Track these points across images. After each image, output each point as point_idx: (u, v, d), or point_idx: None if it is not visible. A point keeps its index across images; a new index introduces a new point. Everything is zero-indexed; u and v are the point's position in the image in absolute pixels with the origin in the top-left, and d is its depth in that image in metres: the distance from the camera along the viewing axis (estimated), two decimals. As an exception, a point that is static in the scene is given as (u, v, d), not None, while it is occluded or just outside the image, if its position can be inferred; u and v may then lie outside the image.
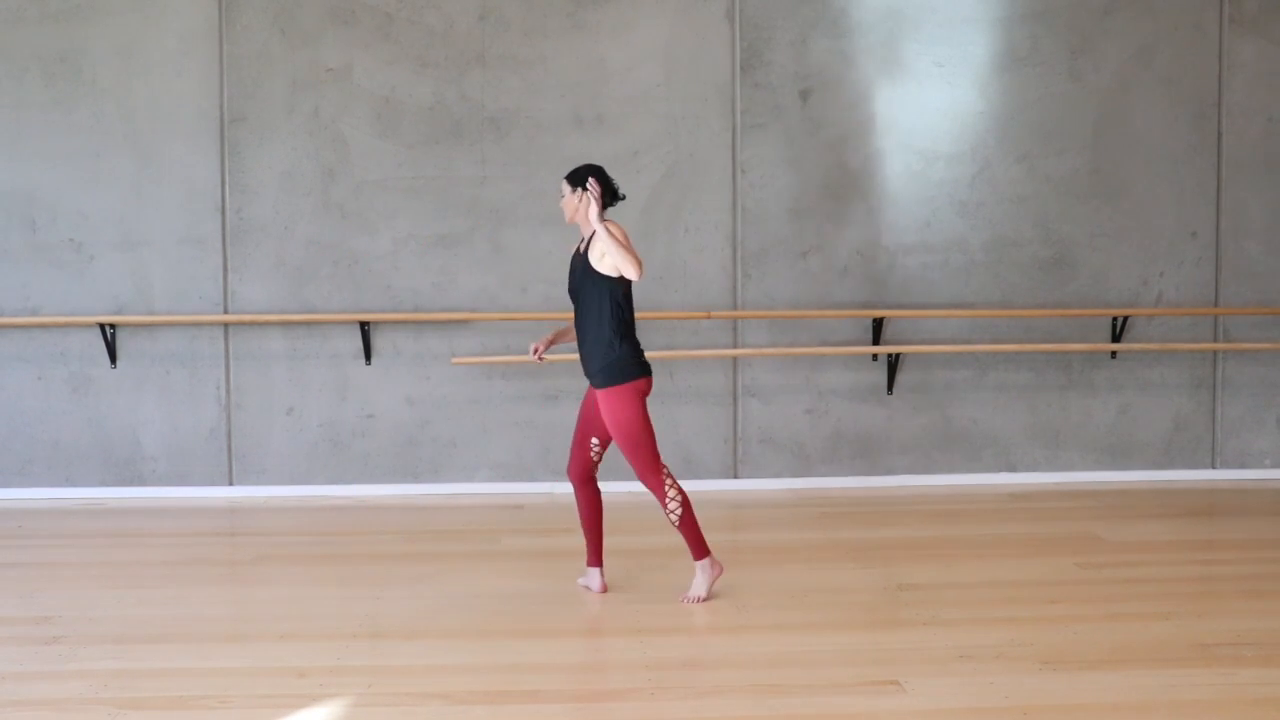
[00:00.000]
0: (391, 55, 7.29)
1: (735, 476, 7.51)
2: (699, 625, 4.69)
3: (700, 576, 5.00)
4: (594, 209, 4.79)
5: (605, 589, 5.15)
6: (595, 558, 5.17)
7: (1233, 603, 4.97)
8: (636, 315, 7.18)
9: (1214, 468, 7.74)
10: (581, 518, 5.18)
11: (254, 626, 4.73)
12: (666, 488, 4.91)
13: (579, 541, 6.02)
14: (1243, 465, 7.75)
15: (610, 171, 7.24)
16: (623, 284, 4.88)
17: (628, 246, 4.76)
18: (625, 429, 4.86)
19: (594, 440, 5.06)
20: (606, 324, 4.86)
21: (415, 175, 7.31)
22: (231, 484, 7.36)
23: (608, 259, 4.80)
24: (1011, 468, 7.63)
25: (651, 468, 4.90)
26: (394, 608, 4.94)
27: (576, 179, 4.93)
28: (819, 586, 5.22)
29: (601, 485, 7.27)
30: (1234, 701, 3.83)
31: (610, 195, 4.93)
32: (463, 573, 5.49)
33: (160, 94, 7.25)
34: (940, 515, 6.75)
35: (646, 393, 4.92)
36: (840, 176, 7.47)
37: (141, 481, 7.34)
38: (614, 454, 7.42)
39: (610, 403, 4.86)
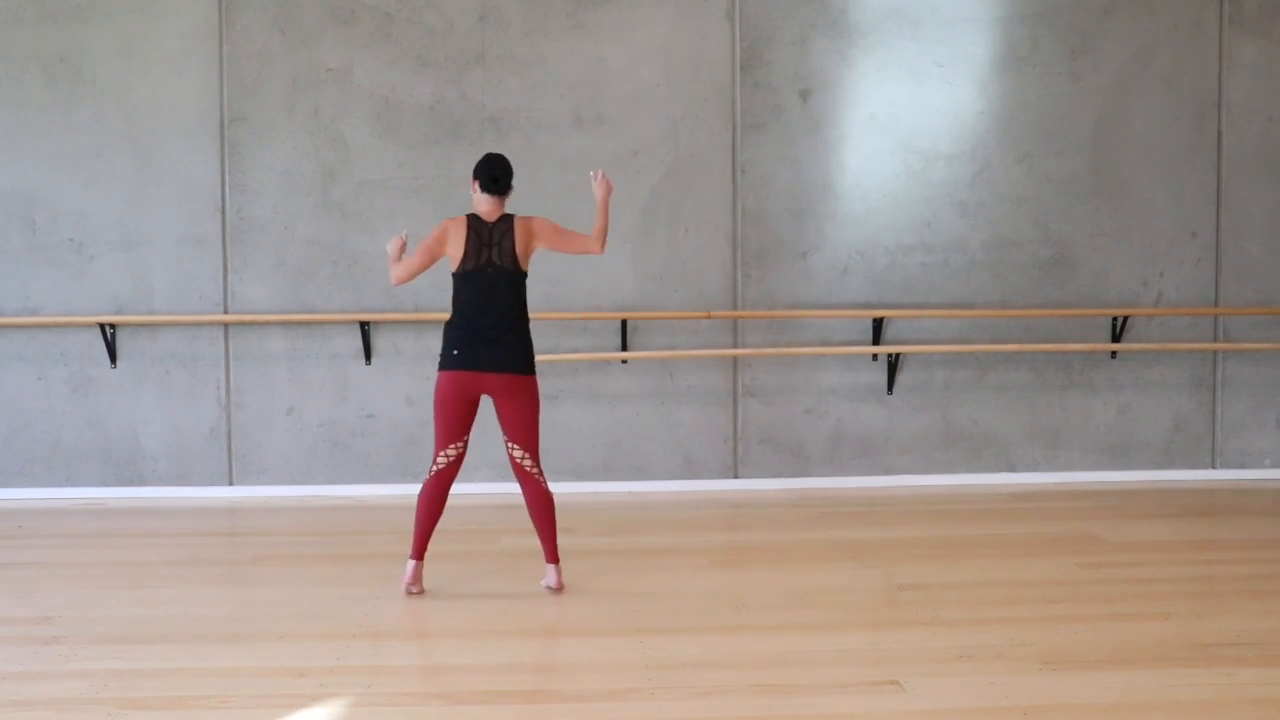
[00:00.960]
0: (391, 55, 7.29)
1: (735, 476, 7.51)
2: (699, 625, 4.68)
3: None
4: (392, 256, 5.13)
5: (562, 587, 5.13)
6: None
7: (1233, 603, 4.96)
8: (636, 315, 7.29)
9: (1214, 468, 7.74)
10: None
11: (254, 626, 4.72)
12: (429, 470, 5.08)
13: (578, 541, 6.03)
14: (1243, 465, 7.75)
15: (610, 171, 7.29)
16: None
17: (416, 252, 5.07)
18: None
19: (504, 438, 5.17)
20: None
21: (415, 175, 7.31)
22: (231, 484, 7.36)
23: None
24: (1011, 468, 7.63)
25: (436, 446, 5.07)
26: (394, 608, 4.94)
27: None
28: (819, 586, 5.21)
29: (597, 485, 7.34)
30: (1234, 701, 3.83)
31: (488, 180, 5.03)
32: (463, 573, 5.49)
33: (160, 94, 7.25)
34: (940, 515, 6.75)
35: (445, 387, 5.00)
36: (840, 176, 7.47)
37: (141, 481, 7.33)
38: (619, 456, 7.43)
39: None
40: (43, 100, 7.21)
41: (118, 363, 7.31)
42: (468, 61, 7.31)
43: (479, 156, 7.22)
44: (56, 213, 7.25)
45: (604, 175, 5.19)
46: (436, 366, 5.11)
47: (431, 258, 5.05)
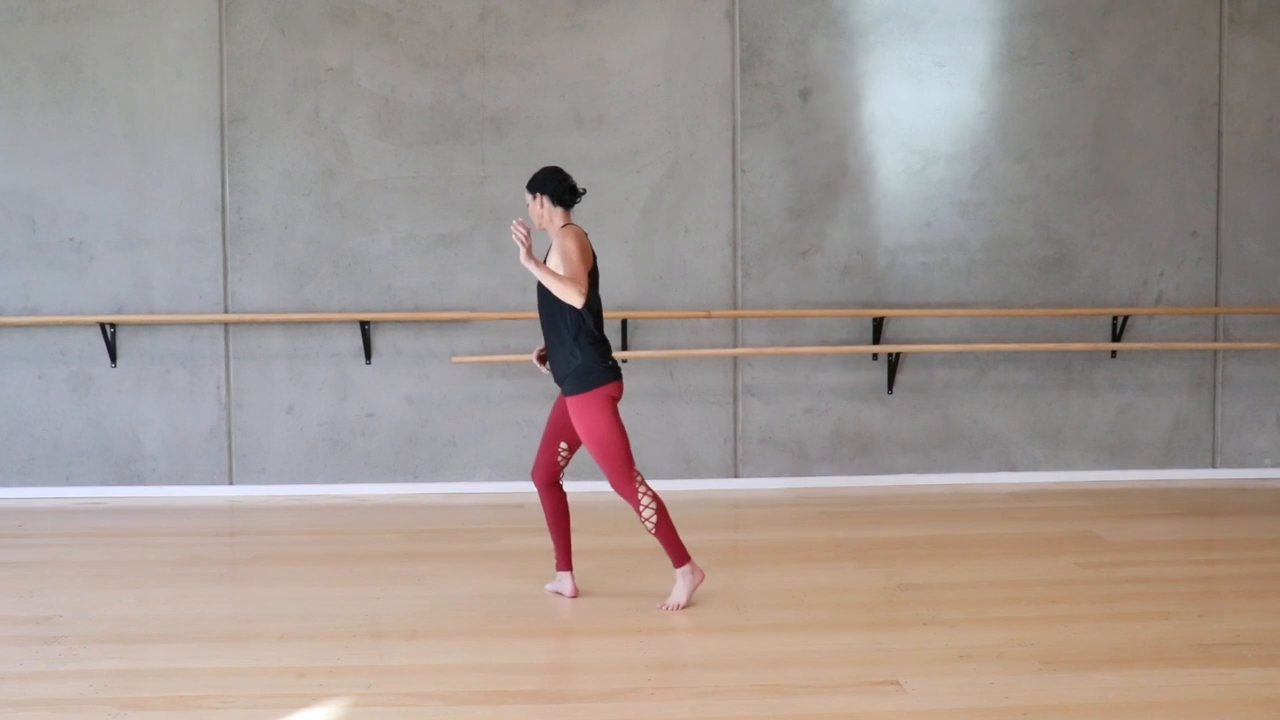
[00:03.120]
0: (391, 55, 7.29)
1: (735, 476, 7.51)
2: (699, 625, 4.69)
3: (680, 584, 4.88)
4: (521, 253, 4.61)
5: (576, 593, 5.08)
6: (565, 561, 5.08)
7: (1233, 603, 4.97)
8: (636, 315, 7.29)
9: (1214, 467, 7.74)
10: (548, 521, 5.07)
11: (254, 626, 4.73)
12: (640, 495, 4.81)
13: (578, 541, 6.02)
14: (1243, 465, 7.75)
15: (610, 172, 7.32)
16: None
17: (573, 271, 4.62)
18: (594, 436, 4.77)
19: (562, 445, 4.99)
20: (567, 332, 4.77)
21: (415, 175, 7.31)
22: (231, 483, 7.36)
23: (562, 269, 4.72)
24: (1011, 467, 7.63)
25: (623, 475, 4.80)
26: (394, 608, 4.94)
27: (534, 185, 4.87)
28: (819, 586, 5.21)
29: (600, 484, 7.32)
30: (1234, 701, 3.83)
31: (569, 193, 4.84)
32: (463, 573, 5.49)
33: (160, 94, 7.25)
34: (940, 515, 6.75)
35: (616, 398, 4.81)
36: (840, 176, 7.47)
37: (141, 481, 7.34)
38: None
39: (578, 410, 4.78)
40: (43, 100, 7.21)
41: (118, 362, 7.31)
42: (468, 61, 7.31)
43: (478, 156, 7.35)
44: (56, 213, 7.25)
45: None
46: (596, 383, 4.75)
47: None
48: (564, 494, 5.09)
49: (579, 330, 4.77)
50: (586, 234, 4.87)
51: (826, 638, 4.51)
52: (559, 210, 4.85)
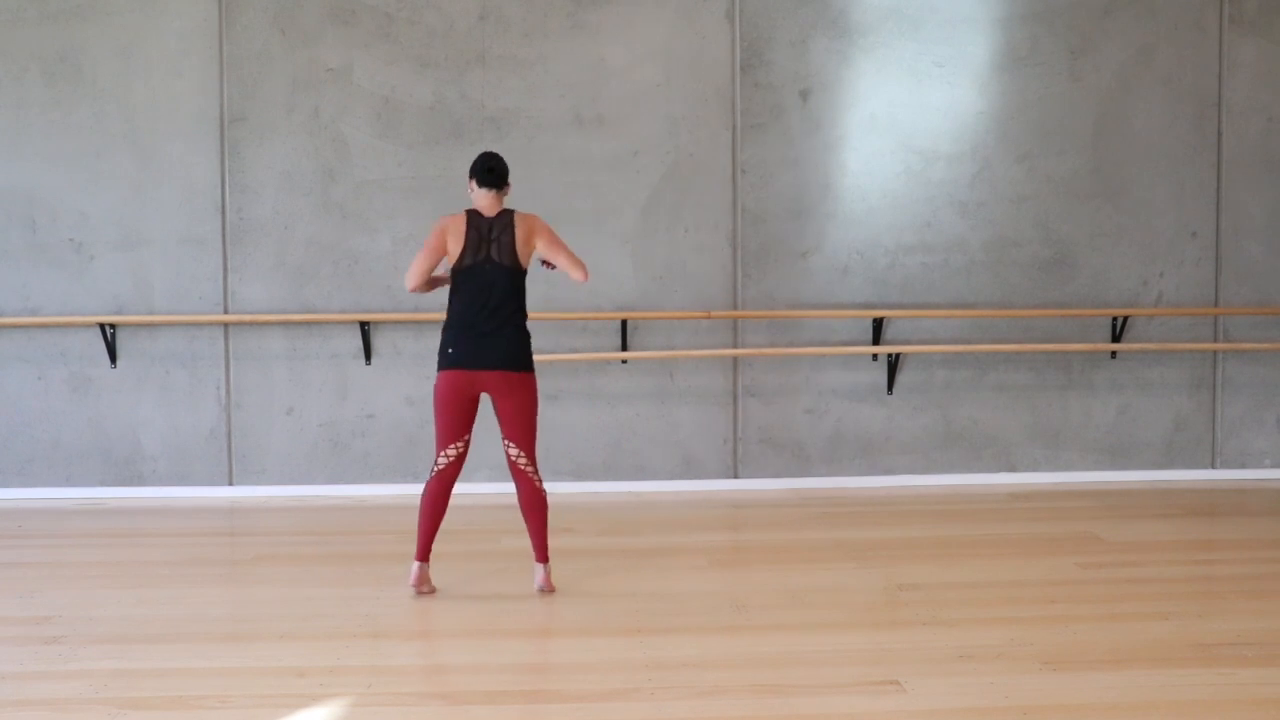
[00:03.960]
0: (391, 55, 7.29)
1: (735, 476, 7.51)
2: (699, 625, 4.68)
3: (411, 572, 5.11)
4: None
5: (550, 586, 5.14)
6: (540, 554, 5.17)
7: (1233, 603, 4.96)
8: (636, 315, 7.29)
9: (1214, 468, 7.74)
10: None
11: (254, 626, 4.72)
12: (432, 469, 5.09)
13: (578, 541, 6.03)
14: (1243, 465, 7.75)
15: (610, 172, 7.34)
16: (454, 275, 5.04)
17: (420, 255, 5.03)
18: None
19: (504, 440, 5.15)
20: None
21: (415, 175, 7.31)
22: (231, 484, 7.36)
23: None
24: (1011, 468, 7.63)
25: (436, 444, 5.07)
26: (394, 608, 4.94)
27: (469, 173, 5.12)
28: (819, 586, 5.21)
29: (597, 485, 7.34)
30: (1234, 701, 3.83)
31: (486, 172, 5.00)
32: (463, 573, 5.49)
33: (160, 94, 7.25)
34: (940, 515, 6.75)
35: (443, 386, 5.00)
36: (840, 176, 7.47)
37: (141, 481, 7.34)
38: (619, 456, 7.43)
39: None
40: (43, 100, 7.21)
41: (118, 363, 7.31)
42: (468, 61, 7.31)
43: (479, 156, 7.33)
44: (56, 213, 7.25)
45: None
46: (436, 366, 5.09)
47: (437, 255, 5.00)
48: (531, 487, 5.08)
49: (447, 313, 5.08)
50: (472, 215, 5.00)
51: (826, 638, 4.51)
52: (483, 191, 5.02)
